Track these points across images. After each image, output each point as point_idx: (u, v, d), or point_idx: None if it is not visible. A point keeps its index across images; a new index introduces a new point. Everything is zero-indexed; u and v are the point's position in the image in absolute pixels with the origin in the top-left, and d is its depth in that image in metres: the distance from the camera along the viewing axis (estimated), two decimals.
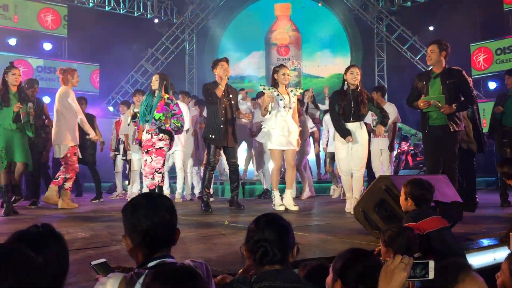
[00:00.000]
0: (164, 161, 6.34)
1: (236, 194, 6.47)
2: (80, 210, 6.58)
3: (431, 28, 14.40)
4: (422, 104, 5.15)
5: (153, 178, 6.14)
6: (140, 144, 6.41)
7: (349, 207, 5.75)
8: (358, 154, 5.75)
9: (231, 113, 6.26)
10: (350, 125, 5.75)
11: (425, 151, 5.61)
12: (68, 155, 6.61)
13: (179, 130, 6.30)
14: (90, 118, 7.91)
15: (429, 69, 5.48)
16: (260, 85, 7.03)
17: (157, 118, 6.11)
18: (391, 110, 7.46)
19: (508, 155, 6.39)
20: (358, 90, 5.76)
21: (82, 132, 7.07)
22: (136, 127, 6.60)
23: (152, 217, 1.78)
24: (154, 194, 1.91)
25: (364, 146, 5.81)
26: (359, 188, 5.74)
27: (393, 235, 2.65)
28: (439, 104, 5.06)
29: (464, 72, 5.35)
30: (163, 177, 6.29)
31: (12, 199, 6.12)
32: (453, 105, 5.06)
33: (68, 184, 6.69)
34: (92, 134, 7.04)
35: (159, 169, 6.13)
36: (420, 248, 2.68)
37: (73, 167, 6.69)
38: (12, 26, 13.00)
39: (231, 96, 6.32)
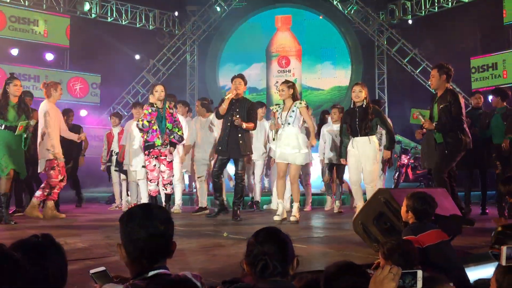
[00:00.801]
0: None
1: (237, 206, 6.49)
2: (79, 220, 6.57)
3: (430, 43, 14.49)
4: (414, 115, 5.59)
5: (165, 189, 6.64)
6: (151, 146, 6.48)
7: None
8: (366, 168, 5.85)
9: (236, 126, 6.38)
10: (358, 140, 5.86)
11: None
12: (46, 169, 6.61)
13: (181, 139, 6.69)
14: (77, 129, 8.07)
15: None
16: (270, 107, 7.25)
17: (170, 128, 6.52)
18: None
19: (498, 168, 6.73)
20: (363, 106, 5.88)
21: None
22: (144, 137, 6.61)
23: (146, 227, 1.77)
24: (152, 205, 1.90)
25: (373, 160, 5.87)
26: None
27: (393, 247, 2.64)
28: (421, 118, 5.51)
29: (459, 97, 5.58)
30: (172, 187, 6.81)
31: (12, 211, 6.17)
32: (434, 123, 5.44)
33: (53, 196, 6.71)
34: (74, 137, 7.17)
35: (171, 181, 6.67)
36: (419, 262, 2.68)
37: (51, 181, 6.62)
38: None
39: (238, 110, 6.45)
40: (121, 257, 1.81)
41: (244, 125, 6.35)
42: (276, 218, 6.06)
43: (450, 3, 14.06)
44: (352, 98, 6.02)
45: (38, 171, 6.82)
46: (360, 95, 5.87)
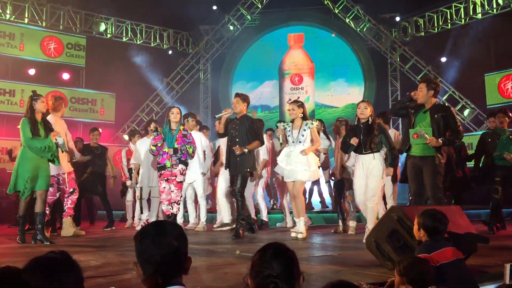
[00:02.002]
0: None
1: (239, 224, 6.43)
2: (93, 238, 6.60)
3: (443, 59, 14.47)
4: (414, 136, 5.38)
5: (172, 208, 6.61)
6: (162, 168, 6.59)
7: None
8: (370, 184, 5.82)
9: (237, 143, 6.49)
10: (363, 157, 5.89)
11: (409, 178, 5.66)
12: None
13: (190, 156, 6.78)
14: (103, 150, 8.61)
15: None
16: (276, 124, 7.28)
17: (176, 148, 6.60)
18: (392, 135, 7.50)
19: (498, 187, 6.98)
20: (369, 123, 5.91)
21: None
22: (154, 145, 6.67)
23: (160, 244, 1.78)
24: (165, 221, 1.91)
25: (377, 177, 5.85)
26: (372, 219, 5.77)
27: (409, 265, 2.62)
28: (427, 136, 5.28)
29: (452, 109, 5.69)
30: (179, 207, 6.82)
31: (27, 228, 6.20)
32: (440, 139, 5.27)
33: (68, 212, 6.77)
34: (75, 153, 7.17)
35: (178, 201, 6.68)
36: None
37: (47, 199, 6.40)
38: (17, 55, 13.24)
39: (238, 127, 6.55)
40: (137, 275, 1.82)
41: (246, 150, 6.44)
42: (294, 235, 6.18)
43: (463, 20, 14.05)
44: (357, 114, 6.06)
45: None
46: (365, 111, 5.93)
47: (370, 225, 5.71)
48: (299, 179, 6.20)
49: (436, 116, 5.36)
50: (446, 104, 5.76)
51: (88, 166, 8.25)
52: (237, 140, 6.49)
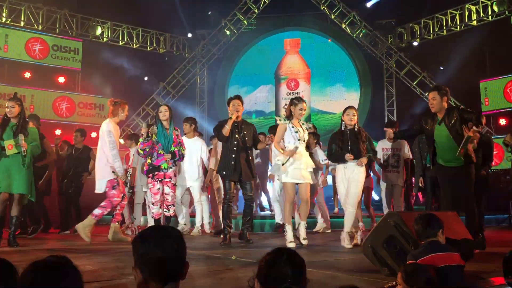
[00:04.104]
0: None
1: (247, 228, 6.48)
2: (90, 242, 6.55)
3: (438, 66, 14.54)
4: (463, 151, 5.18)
5: (168, 210, 6.57)
6: (156, 169, 6.47)
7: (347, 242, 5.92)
8: (352, 190, 5.89)
9: (244, 148, 6.38)
10: (350, 165, 5.93)
11: (442, 192, 5.52)
12: (107, 189, 6.46)
13: (182, 157, 6.74)
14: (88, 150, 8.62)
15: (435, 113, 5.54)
16: (275, 117, 7.10)
17: (173, 150, 6.54)
18: (403, 144, 7.52)
19: None
20: (355, 129, 5.98)
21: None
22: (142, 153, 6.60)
23: (161, 247, 1.78)
24: (163, 225, 1.92)
25: (359, 182, 5.93)
26: (349, 224, 5.88)
27: (412, 271, 2.63)
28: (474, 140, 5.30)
29: (461, 107, 5.49)
30: (174, 209, 6.81)
31: (17, 232, 6.19)
32: (476, 128, 5.14)
33: (116, 217, 6.68)
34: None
35: (174, 203, 6.71)
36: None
37: (114, 201, 6.48)
38: (2, 56, 12.95)
39: (245, 132, 6.44)
40: (136, 280, 1.81)
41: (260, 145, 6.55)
42: (291, 245, 5.81)
43: (458, 27, 14.13)
44: (344, 121, 6.04)
45: (96, 191, 6.58)
46: (353, 118, 6.00)
47: (346, 228, 5.89)
48: (309, 181, 6.08)
49: (450, 124, 5.28)
50: (454, 106, 5.67)
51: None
52: (248, 145, 6.42)
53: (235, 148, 6.34)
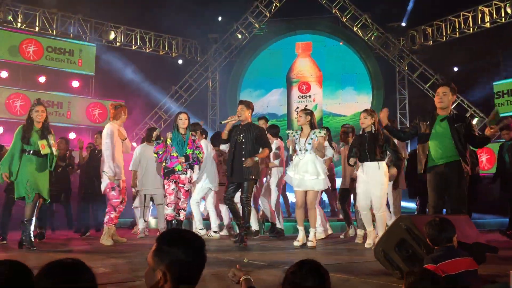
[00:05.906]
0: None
1: (242, 230, 6.46)
2: (102, 244, 6.62)
3: (455, 69, 14.44)
4: (492, 130, 4.98)
5: (178, 214, 6.75)
6: (171, 172, 6.67)
7: (370, 242, 6.09)
8: (375, 194, 5.93)
9: (241, 150, 6.51)
10: (368, 165, 6.00)
11: (429, 188, 5.28)
12: (108, 190, 6.72)
13: (199, 161, 6.94)
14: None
15: (434, 111, 5.38)
16: (287, 131, 7.20)
17: (188, 153, 6.71)
18: (402, 146, 7.53)
19: None
20: (373, 132, 6.00)
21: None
22: (158, 152, 6.78)
23: (198, 250, 1.82)
24: (189, 230, 1.94)
25: (381, 185, 5.94)
26: (382, 228, 5.86)
27: (416, 281, 2.61)
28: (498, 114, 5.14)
29: (469, 118, 5.46)
30: (185, 214, 6.91)
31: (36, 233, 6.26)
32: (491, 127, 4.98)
33: (112, 220, 6.76)
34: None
35: (185, 208, 6.84)
36: None
37: (112, 202, 6.71)
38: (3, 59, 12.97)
39: (243, 134, 6.55)
40: (160, 283, 1.77)
41: (256, 158, 6.48)
42: (296, 243, 6.22)
43: (471, 29, 14.04)
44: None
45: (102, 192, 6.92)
46: (364, 121, 6.06)
47: (381, 232, 5.78)
48: (312, 189, 6.17)
49: (456, 125, 5.15)
50: (463, 114, 5.54)
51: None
52: (243, 147, 6.49)
53: (233, 149, 6.59)
